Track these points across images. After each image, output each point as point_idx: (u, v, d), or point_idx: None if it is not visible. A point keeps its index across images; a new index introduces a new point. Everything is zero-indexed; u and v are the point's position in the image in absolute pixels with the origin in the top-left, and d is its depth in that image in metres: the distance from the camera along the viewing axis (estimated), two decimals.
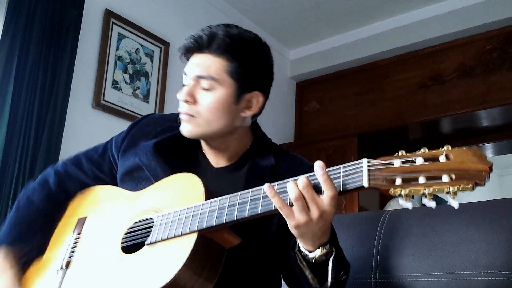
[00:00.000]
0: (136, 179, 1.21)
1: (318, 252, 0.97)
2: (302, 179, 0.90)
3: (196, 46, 1.14)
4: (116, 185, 1.27)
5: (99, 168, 1.32)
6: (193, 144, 1.25)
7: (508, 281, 1.10)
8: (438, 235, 1.25)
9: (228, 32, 1.14)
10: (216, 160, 1.23)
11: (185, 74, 1.17)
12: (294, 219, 0.91)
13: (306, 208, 0.90)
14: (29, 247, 1.25)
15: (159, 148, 1.20)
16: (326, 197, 0.89)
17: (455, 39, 3.85)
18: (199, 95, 1.14)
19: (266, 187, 0.92)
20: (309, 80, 4.65)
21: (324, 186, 0.88)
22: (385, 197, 4.05)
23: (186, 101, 1.14)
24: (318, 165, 0.89)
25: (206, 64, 1.13)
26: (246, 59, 1.14)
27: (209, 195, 1.03)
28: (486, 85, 3.64)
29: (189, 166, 1.19)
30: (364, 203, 3.83)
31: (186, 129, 1.16)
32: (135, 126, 1.32)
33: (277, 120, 4.40)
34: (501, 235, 1.16)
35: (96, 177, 1.32)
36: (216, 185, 1.11)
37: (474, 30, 3.74)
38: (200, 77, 1.13)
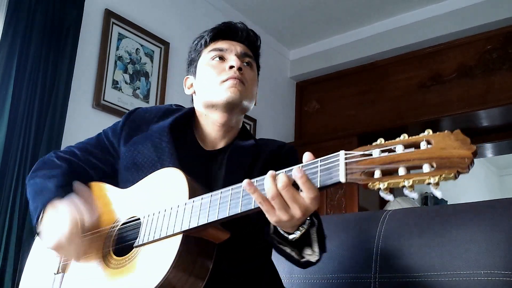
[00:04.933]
0: (139, 167, 1.20)
1: (298, 234, 0.96)
2: (281, 178, 0.86)
3: (237, 35, 1.30)
4: (112, 172, 1.28)
5: (94, 156, 1.31)
6: (191, 127, 1.30)
7: (508, 281, 1.10)
8: (438, 235, 1.25)
9: (248, 28, 1.34)
10: (213, 144, 1.28)
11: (220, 50, 1.27)
12: (274, 215, 0.88)
13: (285, 206, 0.86)
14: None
15: (173, 128, 1.24)
16: (307, 198, 0.85)
17: (455, 39, 3.85)
18: (243, 68, 1.26)
19: (245, 183, 0.88)
20: (309, 80, 4.65)
21: (303, 188, 0.84)
22: None
23: (240, 69, 1.23)
24: (297, 166, 0.86)
25: (246, 48, 1.31)
26: (257, 49, 1.36)
27: (192, 192, 1.03)
28: (486, 85, 3.64)
29: (191, 150, 1.24)
30: (364, 203, 3.83)
31: (237, 92, 1.22)
32: (132, 114, 1.34)
33: (277, 120, 4.40)
34: (501, 235, 1.17)
35: (91, 163, 1.30)
36: (208, 169, 1.16)
37: (474, 30, 3.74)
38: (245, 55, 1.28)
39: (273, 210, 0.87)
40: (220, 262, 1.03)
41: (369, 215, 1.57)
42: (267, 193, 0.86)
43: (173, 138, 1.21)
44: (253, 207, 0.90)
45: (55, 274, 1.18)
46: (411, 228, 1.33)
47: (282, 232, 0.98)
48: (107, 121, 2.94)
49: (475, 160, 0.73)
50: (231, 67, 1.23)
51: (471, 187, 5.99)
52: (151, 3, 3.41)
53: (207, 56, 1.29)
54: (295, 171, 0.85)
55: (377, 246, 1.34)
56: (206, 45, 1.30)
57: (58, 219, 1.11)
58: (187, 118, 1.31)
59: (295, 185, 0.87)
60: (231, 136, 1.28)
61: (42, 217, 1.16)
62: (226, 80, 1.22)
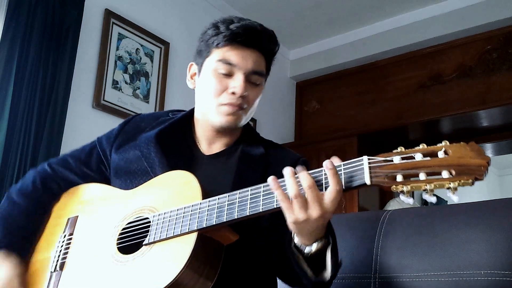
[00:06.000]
0: (131, 174, 1.20)
1: (314, 247, 0.97)
2: (306, 178, 0.89)
3: (254, 42, 1.16)
4: (104, 181, 1.27)
5: (86, 166, 1.31)
6: (186, 134, 1.26)
7: (508, 281, 1.10)
8: (438, 235, 1.25)
9: (269, 32, 1.19)
10: (210, 146, 1.25)
11: (229, 64, 1.15)
12: (293, 214, 0.90)
13: (305, 206, 0.89)
14: (25, 251, 1.23)
15: (160, 138, 1.21)
16: (330, 192, 0.88)
17: (455, 39, 3.85)
18: (248, 90, 1.16)
19: (270, 179, 0.92)
20: (309, 80, 4.66)
21: (331, 181, 0.87)
22: (385, 197, 4.05)
23: (244, 96, 1.15)
24: (328, 160, 0.90)
25: (259, 61, 1.17)
26: (273, 56, 1.24)
27: (205, 194, 1.03)
28: (486, 85, 3.64)
29: (186, 156, 1.20)
30: (364, 203, 3.83)
31: (234, 120, 1.16)
32: (128, 123, 1.32)
33: (277, 120, 4.40)
34: (501, 235, 1.16)
35: (84, 174, 1.30)
36: (208, 172, 1.11)
37: (474, 30, 3.74)
38: (255, 73, 1.17)
39: (291, 208, 0.90)
40: (226, 265, 1.02)
41: (369, 215, 1.57)
42: (289, 190, 0.90)
43: (161, 147, 1.19)
44: (275, 207, 0.92)
45: (51, 272, 1.17)
46: (411, 228, 1.32)
47: (299, 244, 0.98)
48: (107, 121, 2.94)
49: (485, 176, 0.79)
50: (234, 93, 1.14)
51: (471, 187, 5.95)
52: (151, 3, 3.41)
53: (215, 63, 1.17)
54: (327, 163, 0.88)
55: (377, 246, 1.34)
56: (218, 45, 1.17)
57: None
58: (181, 124, 1.27)
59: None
60: (232, 138, 1.25)
61: None
62: (225, 104, 1.15)
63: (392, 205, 3.86)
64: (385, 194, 4.07)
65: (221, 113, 1.16)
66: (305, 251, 0.98)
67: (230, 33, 1.15)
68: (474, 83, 3.70)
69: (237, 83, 1.14)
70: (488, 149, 4.20)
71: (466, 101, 3.68)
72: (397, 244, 1.31)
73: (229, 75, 1.16)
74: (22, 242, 1.23)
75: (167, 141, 1.22)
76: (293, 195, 0.89)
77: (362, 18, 4.13)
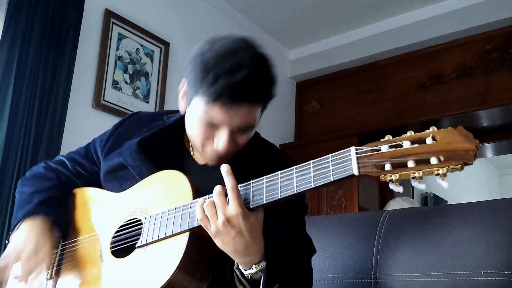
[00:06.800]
0: (120, 179, 1.19)
1: (252, 270, 0.97)
2: (216, 188, 0.94)
3: (244, 98, 1.01)
4: (98, 182, 1.26)
5: (81, 167, 1.31)
6: (177, 141, 1.22)
7: (508, 281, 1.10)
8: (438, 235, 1.25)
9: (263, 80, 1.04)
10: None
11: (213, 123, 1.04)
12: (210, 229, 0.94)
13: (215, 216, 0.93)
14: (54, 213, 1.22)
15: (143, 146, 1.17)
16: (231, 204, 0.92)
17: (455, 39, 3.85)
18: (237, 137, 1.08)
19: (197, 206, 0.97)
20: (309, 80, 4.65)
21: (229, 198, 0.92)
22: (385, 197, 4.05)
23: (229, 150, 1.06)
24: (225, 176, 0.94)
25: (248, 116, 1.04)
26: (269, 100, 1.12)
27: (196, 192, 1.02)
28: (486, 85, 3.64)
29: (175, 163, 1.16)
30: (364, 203, 3.83)
31: (220, 162, 1.05)
32: (120, 126, 1.30)
33: (277, 120, 4.40)
34: (501, 235, 1.16)
35: (79, 173, 1.31)
36: (202, 181, 1.08)
37: (474, 30, 3.74)
38: (242, 129, 1.06)
39: (209, 224, 0.94)
40: (221, 265, 1.02)
41: (369, 215, 1.57)
42: (200, 202, 0.95)
43: (144, 155, 1.15)
44: (264, 202, 0.93)
45: (47, 279, 1.17)
46: (411, 228, 1.32)
47: (240, 267, 0.98)
48: (107, 121, 2.94)
49: (474, 160, 0.77)
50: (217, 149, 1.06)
51: (471, 187, 5.98)
52: (151, 3, 3.41)
53: (200, 112, 1.05)
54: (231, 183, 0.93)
55: (377, 246, 1.34)
56: (203, 96, 1.03)
57: (20, 238, 1.15)
58: (171, 131, 1.20)
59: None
60: None
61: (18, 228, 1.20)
62: (210, 153, 1.09)
63: (392, 205, 3.85)
64: (385, 194, 4.07)
65: (207, 157, 1.11)
66: (245, 274, 0.98)
67: (216, 90, 0.98)
68: (474, 83, 3.70)
69: (220, 141, 1.04)
70: (488, 149, 4.21)
71: (466, 101, 3.68)
72: (397, 244, 1.31)
73: (214, 126, 1.05)
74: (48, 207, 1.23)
75: (152, 149, 1.17)
76: (205, 205, 0.94)
77: (362, 18, 4.12)
